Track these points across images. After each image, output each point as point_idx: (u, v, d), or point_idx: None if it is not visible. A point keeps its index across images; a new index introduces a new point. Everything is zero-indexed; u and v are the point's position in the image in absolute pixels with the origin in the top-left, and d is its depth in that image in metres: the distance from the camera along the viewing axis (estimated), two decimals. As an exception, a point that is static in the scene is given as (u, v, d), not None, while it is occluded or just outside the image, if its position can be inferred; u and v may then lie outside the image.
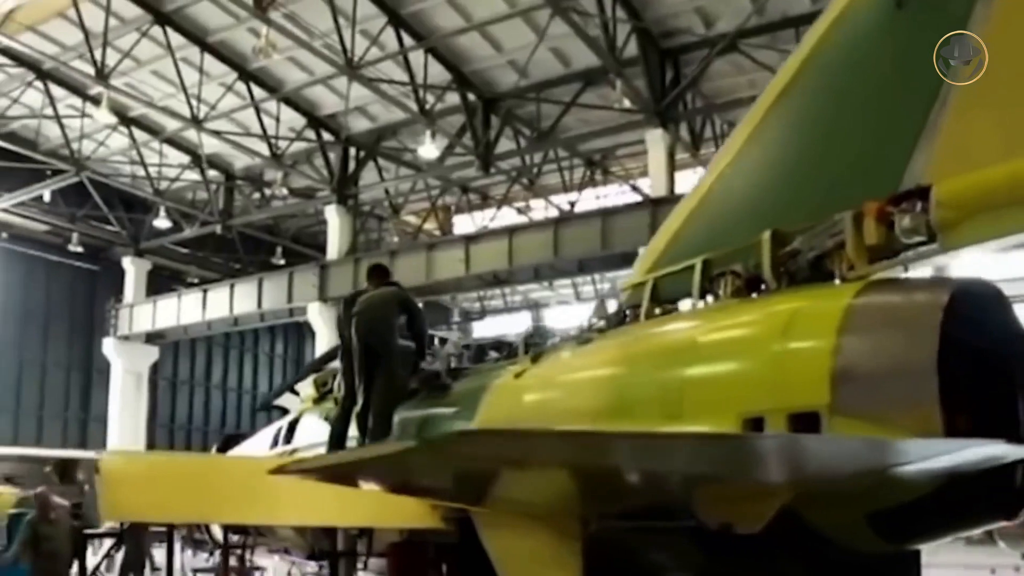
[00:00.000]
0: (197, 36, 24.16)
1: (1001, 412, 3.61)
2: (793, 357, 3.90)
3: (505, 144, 25.75)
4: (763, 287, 4.54)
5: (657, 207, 20.45)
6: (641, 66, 21.73)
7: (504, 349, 7.01)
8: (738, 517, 3.57)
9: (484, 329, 44.02)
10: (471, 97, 24.67)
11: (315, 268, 27.44)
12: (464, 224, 32.80)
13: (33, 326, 32.58)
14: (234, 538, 9.79)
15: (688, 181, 21.15)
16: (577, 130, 25.23)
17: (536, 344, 6.41)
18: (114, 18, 23.44)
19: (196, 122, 24.67)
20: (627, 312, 5.47)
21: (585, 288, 38.54)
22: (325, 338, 26.06)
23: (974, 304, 3.74)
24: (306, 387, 10.21)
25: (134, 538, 13.58)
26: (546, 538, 3.77)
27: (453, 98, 24.81)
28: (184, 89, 24.32)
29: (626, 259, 20.49)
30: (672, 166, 21.39)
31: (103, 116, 24.53)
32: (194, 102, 24.73)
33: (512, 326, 42.51)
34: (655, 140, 21.46)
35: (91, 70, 23.48)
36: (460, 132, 25.23)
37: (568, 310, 39.39)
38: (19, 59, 25.53)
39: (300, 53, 23.17)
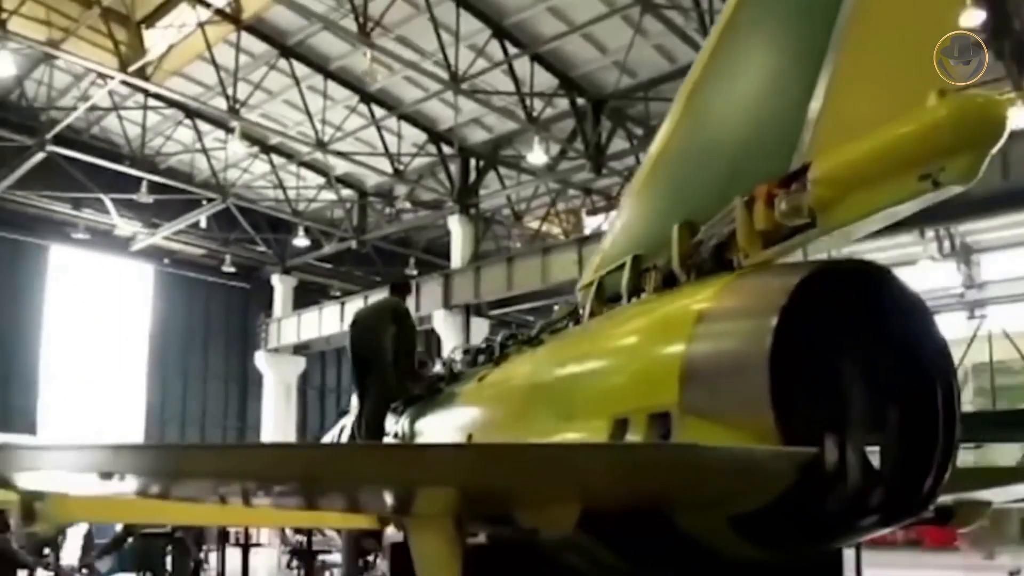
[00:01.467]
0: (319, 64, 25.70)
1: (846, 411, 3.40)
2: (654, 356, 3.86)
3: (618, 143, 25.86)
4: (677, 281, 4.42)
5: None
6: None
7: (487, 353, 7.00)
8: (544, 523, 3.51)
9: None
10: (580, 101, 24.94)
11: (439, 277, 28.42)
12: (597, 227, 33.03)
13: (195, 342, 35.46)
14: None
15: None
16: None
17: (506, 346, 6.47)
18: (245, 55, 25.42)
19: (321, 145, 26.14)
20: (580, 313, 5.43)
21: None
22: (450, 344, 26.92)
23: (831, 291, 3.48)
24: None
25: (183, 541, 13.68)
26: (435, 542, 3.73)
27: (562, 103, 25.22)
28: (309, 115, 25.82)
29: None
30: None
31: (237, 146, 26.41)
32: (320, 126, 26.22)
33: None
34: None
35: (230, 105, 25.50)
36: (571, 136, 25.53)
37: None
38: (169, 101, 27.86)
39: (414, 71, 24.20)
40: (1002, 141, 3.08)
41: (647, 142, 25.58)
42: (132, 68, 23.73)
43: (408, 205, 29.54)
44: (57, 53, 24.50)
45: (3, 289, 31.07)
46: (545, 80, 24.49)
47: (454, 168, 28.86)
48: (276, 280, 35.10)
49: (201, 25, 24.48)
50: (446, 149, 28.42)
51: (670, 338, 3.78)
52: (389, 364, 7.94)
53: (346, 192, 31.96)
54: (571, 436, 4.17)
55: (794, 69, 4.03)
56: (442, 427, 6.53)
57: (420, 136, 28.21)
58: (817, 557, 4.22)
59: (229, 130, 28.75)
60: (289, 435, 33.34)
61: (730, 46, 4.59)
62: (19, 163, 27.11)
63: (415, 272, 33.53)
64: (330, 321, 31.84)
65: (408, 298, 9.62)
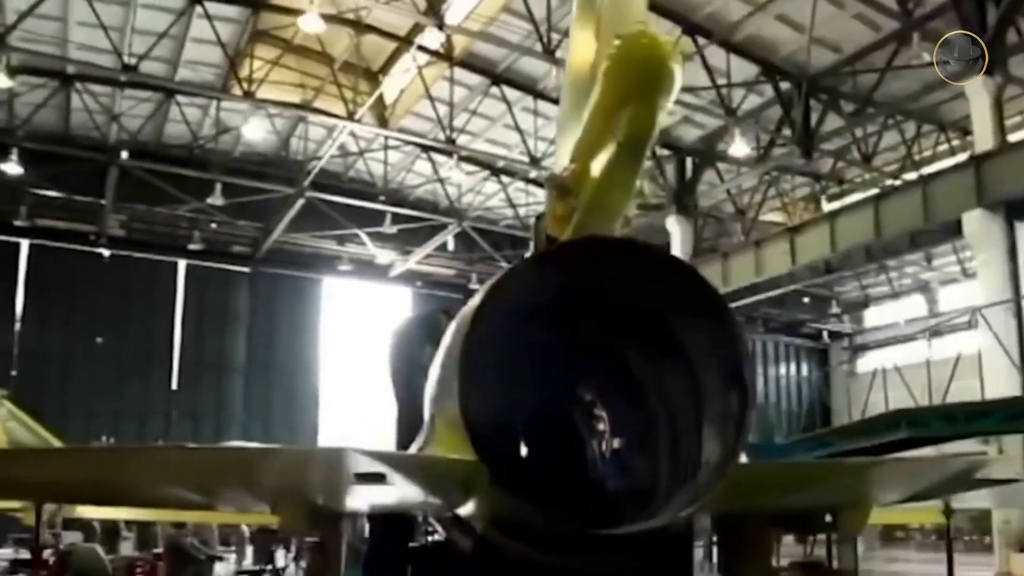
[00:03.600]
0: (527, 86, 27.09)
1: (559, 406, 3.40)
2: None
3: (829, 122, 24.71)
4: None
5: (981, 164, 18.39)
6: (953, 13, 19.79)
7: None
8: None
9: (874, 318, 41.36)
10: (784, 85, 24.22)
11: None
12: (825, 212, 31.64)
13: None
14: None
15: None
16: (903, 92, 23.47)
17: None
18: (462, 88, 27.50)
19: (535, 162, 27.46)
20: None
21: (971, 264, 34.47)
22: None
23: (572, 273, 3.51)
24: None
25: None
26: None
27: (768, 91, 24.64)
28: (521, 133, 27.26)
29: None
30: (1000, 115, 18.96)
31: (450, 173, 28.55)
32: (534, 143, 27.58)
33: (900, 312, 39.39)
34: (976, 90, 19.23)
35: (458, 136, 27.65)
36: (779, 124, 24.76)
37: (957, 288, 35.64)
38: (405, 140, 30.55)
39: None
40: (669, 83, 3.02)
41: (859, 119, 24.35)
42: (361, 114, 26.31)
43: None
44: (306, 113, 28.04)
45: (287, 319, 35.60)
46: (745, 69, 24.11)
47: (669, 169, 29.00)
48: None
49: (420, 68, 26.86)
50: (660, 151, 28.63)
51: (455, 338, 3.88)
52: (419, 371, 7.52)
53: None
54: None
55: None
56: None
57: (632, 141, 28.66)
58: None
59: (464, 159, 30.98)
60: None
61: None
62: (286, 210, 31.02)
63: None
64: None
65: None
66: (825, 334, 43.22)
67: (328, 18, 26.25)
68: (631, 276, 3.43)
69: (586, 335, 3.53)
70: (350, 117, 26.07)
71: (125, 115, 27.92)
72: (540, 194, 32.95)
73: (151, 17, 23.39)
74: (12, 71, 22.72)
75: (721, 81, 23.84)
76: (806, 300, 38.74)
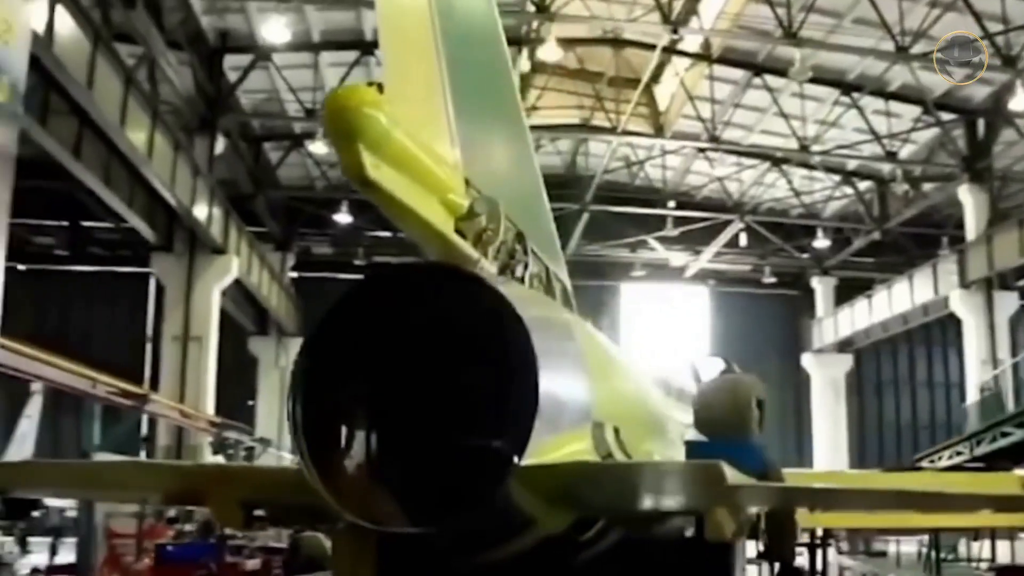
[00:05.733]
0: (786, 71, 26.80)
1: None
2: None
3: None
4: None
5: None
6: None
7: None
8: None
9: None
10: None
11: (953, 254, 26.62)
12: None
13: (749, 352, 37.38)
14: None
15: None
16: None
17: None
18: (728, 84, 28.03)
19: (804, 148, 27.07)
20: None
21: None
22: (972, 328, 25.06)
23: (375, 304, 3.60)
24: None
25: None
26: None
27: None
28: (786, 118, 27.02)
29: None
30: None
31: (728, 169, 28.83)
32: (801, 126, 27.22)
33: None
34: None
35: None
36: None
37: None
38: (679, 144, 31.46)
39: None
40: (354, 134, 3.07)
41: None
42: (623, 124, 27.70)
43: (907, 187, 28.32)
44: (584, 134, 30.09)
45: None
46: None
47: (958, 136, 26.94)
48: (815, 283, 36.18)
49: (682, 72, 27.87)
50: (945, 117, 26.76)
51: None
52: None
53: (864, 185, 31.91)
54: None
55: None
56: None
57: (913, 110, 27.11)
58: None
59: (744, 153, 31.17)
60: (840, 433, 33.71)
61: None
62: (575, 225, 33.13)
63: (946, 252, 31.24)
64: (862, 314, 31.86)
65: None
66: None
67: (585, 41, 28.28)
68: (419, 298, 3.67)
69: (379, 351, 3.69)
70: (611, 131, 27.62)
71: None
72: (825, 179, 32.23)
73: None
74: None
75: (995, 28, 21.95)
76: None
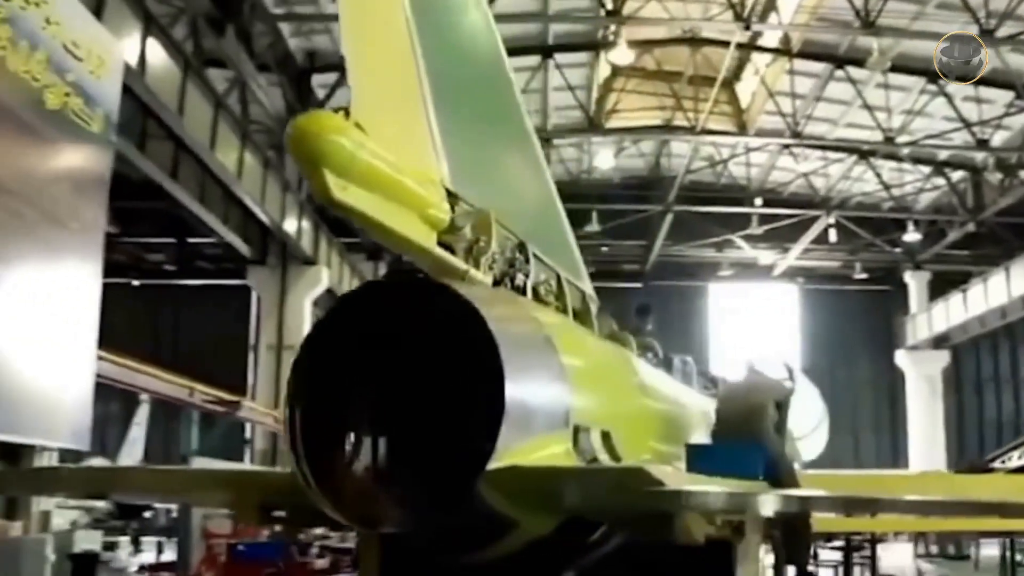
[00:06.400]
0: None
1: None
2: None
3: None
4: None
5: None
6: None
7: None
8: None
9: None
10: None
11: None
12: None
13: (840, 351, 36.53)
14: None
15: None
16: None
17: None
18: (810, 78, 27.54)
19: (889, 141, 26.40)
20: None
21: None
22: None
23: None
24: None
25: None
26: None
27: None
28: (869, 109, 26.31)
29: None
30: None
31: (814, 164, 28.29)
32: (886, 117, 26.53)
33: None
34: None
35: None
36: None
37: None
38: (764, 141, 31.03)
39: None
40: (318, 160, 3.19)
41: None
42: (702, 123, 27.49)
43: (1002, 175, 27.19)
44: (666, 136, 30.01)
45: (677, 326, 37.35)
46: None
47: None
48: (908, 277, 35.14)
49: (763, 68, 27.57)
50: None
51: None
52: None
53: (957, 176, 30.85)
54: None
55: None
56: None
57: (1005, 95, 26.06)
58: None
59: (828, 147, 30.55)
60: (937, 432, 32.51)
61: None
62: (661, 226, 33.05)
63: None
64: (957, 309, 30.79)
65: (647, 321, 8.77)
66: None
67: (663, 42, 28.24)
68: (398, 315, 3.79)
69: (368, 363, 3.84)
70: (691, 130, 27.45)
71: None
72: (915, 171, 31.25)
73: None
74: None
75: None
76: None
